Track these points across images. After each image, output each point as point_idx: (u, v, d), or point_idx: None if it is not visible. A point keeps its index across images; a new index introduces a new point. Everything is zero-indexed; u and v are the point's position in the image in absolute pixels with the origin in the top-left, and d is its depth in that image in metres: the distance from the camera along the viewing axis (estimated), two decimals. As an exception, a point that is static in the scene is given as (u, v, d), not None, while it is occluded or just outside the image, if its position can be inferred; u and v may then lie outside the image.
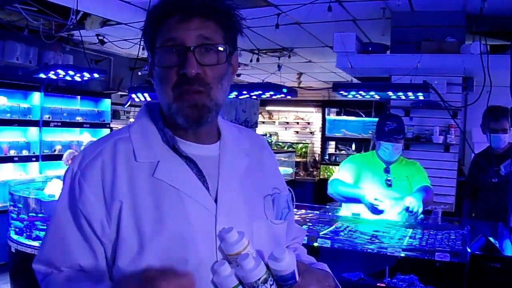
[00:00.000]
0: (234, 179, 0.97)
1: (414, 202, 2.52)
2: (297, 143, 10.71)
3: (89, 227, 0.90)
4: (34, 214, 3.48)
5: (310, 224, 2.77)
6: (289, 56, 6.38)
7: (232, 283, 0.80)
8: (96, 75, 4.23)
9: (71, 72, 4.07)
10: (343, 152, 9.28)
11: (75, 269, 0.91)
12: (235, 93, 4.39)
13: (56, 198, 3.63)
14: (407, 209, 2.54)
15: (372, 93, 3.87)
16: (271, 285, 0.82)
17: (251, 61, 6.37)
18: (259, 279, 0.80)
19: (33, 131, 5.43)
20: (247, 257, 0.80)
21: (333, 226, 2.68)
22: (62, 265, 0.91)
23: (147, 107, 1.01)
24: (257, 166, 1.05)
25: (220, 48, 0.91)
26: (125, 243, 0.88)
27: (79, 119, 5.96)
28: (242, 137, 1.07)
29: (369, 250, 2.29)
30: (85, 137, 6.05)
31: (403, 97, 3.90)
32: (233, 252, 0.81)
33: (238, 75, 7.82)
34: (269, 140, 10.57)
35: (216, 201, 0.93)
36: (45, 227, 3.40)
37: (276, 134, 11.12)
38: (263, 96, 4.70)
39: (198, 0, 0.89)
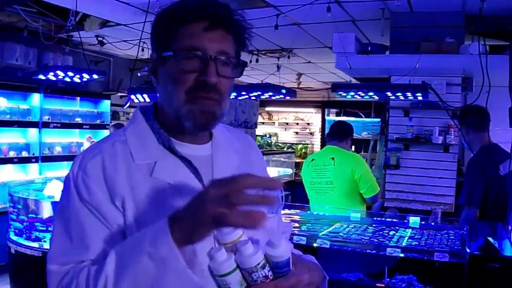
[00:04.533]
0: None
1: None
2: (296, 144, 10.71)
3: (103, 218, 0.91)
4: (33, 215, 3.47)
5: (309, 224, 2.78)
6: (289, 57, 6.38)
7: (229, 268, 0.82)
8: (95, 76, 4.22)
9: (70, 73, 4.06)
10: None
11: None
12: (234, 94, 4.38)
13: (56, 199, 3.60)
14: None
15: (371, 93, 3.88)
16: (268, 271, 0.84)
17: (250, 62, 6.36)
18: (258, 264, 0.82)
19: (32, 132, 5.43)
20: (247, 242, 0.82)
21: (333, 227, 2.68)
22: (87, 258, 0.89)
23: (141, 110, 1.05)
24: (247, 164, 1.09)
25: (235, 62, 0.96)
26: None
27: (78, 120, 5.96)
28: (232, 137, 1.11)
29: (368, 251, 2.29)
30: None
31: (402, 98, 3.90)
32: (228, 240, 0.83)
33: (238, 75, 7.81)
34: (269, 141, 10.57)
35: None
36: (44, 228, 3.40)
37: (276, 134, 11.12)
38: (263, 97, 4.70)
39: (224, 11, 0.93)
